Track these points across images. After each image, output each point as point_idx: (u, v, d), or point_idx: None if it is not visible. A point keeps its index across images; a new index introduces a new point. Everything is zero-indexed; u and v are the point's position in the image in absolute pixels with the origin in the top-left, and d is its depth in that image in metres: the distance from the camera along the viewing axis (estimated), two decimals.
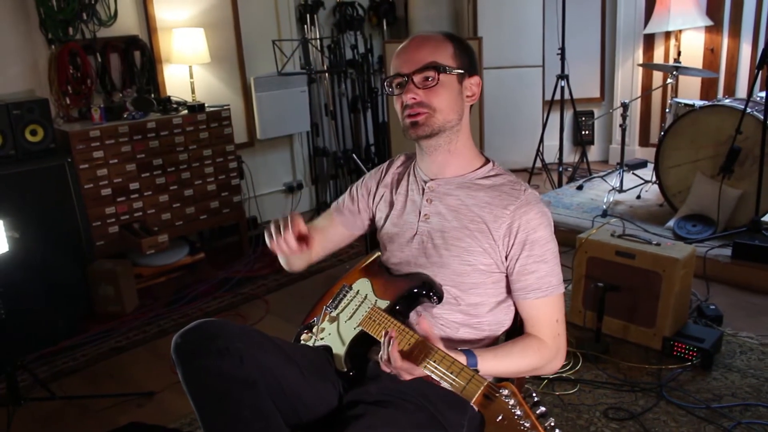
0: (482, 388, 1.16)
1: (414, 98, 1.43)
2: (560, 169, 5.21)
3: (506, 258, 1.46)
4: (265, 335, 1.46)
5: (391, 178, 1.66)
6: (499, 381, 1.35)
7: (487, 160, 1.57)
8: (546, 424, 1.09)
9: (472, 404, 1.17)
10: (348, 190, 1.74)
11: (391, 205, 1.62)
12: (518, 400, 1.11)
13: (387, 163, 1.71)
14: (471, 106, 1.52)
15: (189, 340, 1.33)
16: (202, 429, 1.31)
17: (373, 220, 1.69)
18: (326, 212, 1.76)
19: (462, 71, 1.47)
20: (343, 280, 1.68)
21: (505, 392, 1.13)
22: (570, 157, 5.84)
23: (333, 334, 1.56)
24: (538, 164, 5.21)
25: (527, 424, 1.09)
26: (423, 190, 1.55)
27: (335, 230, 1.73)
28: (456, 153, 1.51)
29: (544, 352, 1.45)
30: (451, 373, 1.21)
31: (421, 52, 1.44)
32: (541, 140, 5.20)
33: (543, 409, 1.10)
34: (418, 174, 1.59)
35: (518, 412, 1.10)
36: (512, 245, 1.44)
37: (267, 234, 1.55)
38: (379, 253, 1.68)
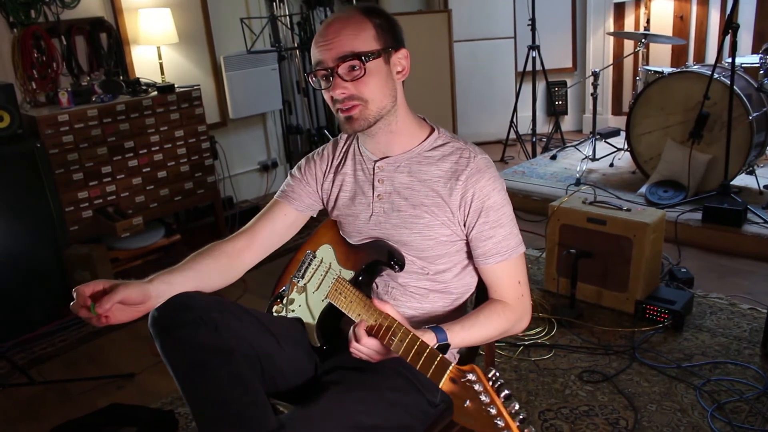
0: (448, 372, 1.15)
1: (343, 93, 1.37)
2: (534, 139, 5.23)
3: (464, 225, 1.47)
4: (240, 306, 1.46)
5: (337, 160, 1.61)
6: (465, 363, 1.36)
7: (432, 129, 1.54)
8: (510, 408, 1.08)
9: (440, 387, 1.16)
10: (289, 175, 1.66)
11: (342, 187, 1.59)
12: (484, 384, 1.10)
13: (331, 143, 1.65)
14: (404, 81, 1.47)
15: (164, 314, 1.33)
16: (184, 399, 1.31)
17: (322, 202, 1.64)
18: (267, 206, 1.65)
19: (387, 49, 1.40)
20: (307, 246, 1.66)
21: (471, 376, 1.12)
22: (544, 127, 5.87)
23: (302, 305, 1.56)
24: (512, 135, 5.23)
25: (493, 411, 1.08)
26: (373, 170, 1.53)
27: (284, 220, 1.61)
28: (398, 131, 1.48)
29: (509, 314, 1.46)
30: (418, 354, 1.21)
31: (341, 40, 1.36)
32: (515, 111, 5.22)
33: (507, 392, 1.10)
34: (364, 154, 1.56)
35: (484, 398, 1.09)
36: (468, 213, 1.45)
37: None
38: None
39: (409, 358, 1.23)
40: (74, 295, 1.34)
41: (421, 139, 1.51)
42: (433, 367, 1.18)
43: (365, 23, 1.39)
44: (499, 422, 1.07)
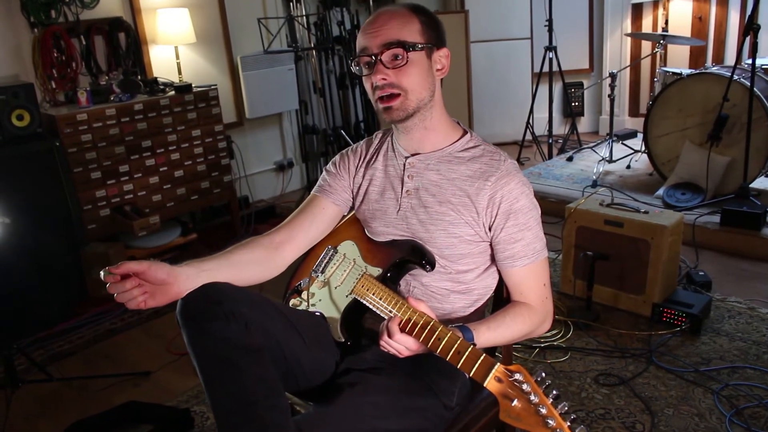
0: (494, 371, 1.16)
1: (384, 79, 1.41)
2: (550, 141, 5.21)
3: (489, 228, 1.48)
4: (269, 301, 1.45)
5: (369, 155, 1.64)
6: (509, 363, 1.37)
7: (465, 131, 1.57)
8: (560, 408, 1.09)
9: (485, 386, 1.17)
10: (324, 171, 1.69)
11: (371, 182, 1.61)
12: (531, 385, 1.11)
13: (365, 141, 1.69)
14: (442, 79, 1.51)
15: (194, 303, 1.31)
16: (205, 392, 1.31)
17: (353, 197, 1.66)
18: (306, 201, 1.68)
19: (430, 45, 1.45)
20: (326, 241, 1.65)
21: (519, 376, 1.13)
22: (560, 128, 5.84)
23: (324, 300, 1.56)
24: (529, 137, 5.21)
25: (543, 411, 1.09)
26: (404, 166, 1.55)
27: (323, 214, 1.64)
28: (432, 128, 1.51)
29: (534, 317, 1.47)
30: (459, 353, 1.21)
31: (388, 29, 1.42)
32: (531, 112, 5.20)
33: (556, 392, 1.11)
34: (397, 150, 1.59)
35: (533, 398, 1.10)
36: (495, 216, 1.46)
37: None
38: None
39: (448, 357, 1.23)
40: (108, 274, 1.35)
41: (453, 140, 1.54)
42: (477, 366, 1.19)
43: (412, 18, 1.45)
44: (550, 422, 1.08)
